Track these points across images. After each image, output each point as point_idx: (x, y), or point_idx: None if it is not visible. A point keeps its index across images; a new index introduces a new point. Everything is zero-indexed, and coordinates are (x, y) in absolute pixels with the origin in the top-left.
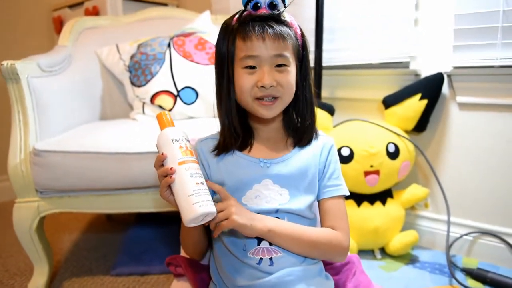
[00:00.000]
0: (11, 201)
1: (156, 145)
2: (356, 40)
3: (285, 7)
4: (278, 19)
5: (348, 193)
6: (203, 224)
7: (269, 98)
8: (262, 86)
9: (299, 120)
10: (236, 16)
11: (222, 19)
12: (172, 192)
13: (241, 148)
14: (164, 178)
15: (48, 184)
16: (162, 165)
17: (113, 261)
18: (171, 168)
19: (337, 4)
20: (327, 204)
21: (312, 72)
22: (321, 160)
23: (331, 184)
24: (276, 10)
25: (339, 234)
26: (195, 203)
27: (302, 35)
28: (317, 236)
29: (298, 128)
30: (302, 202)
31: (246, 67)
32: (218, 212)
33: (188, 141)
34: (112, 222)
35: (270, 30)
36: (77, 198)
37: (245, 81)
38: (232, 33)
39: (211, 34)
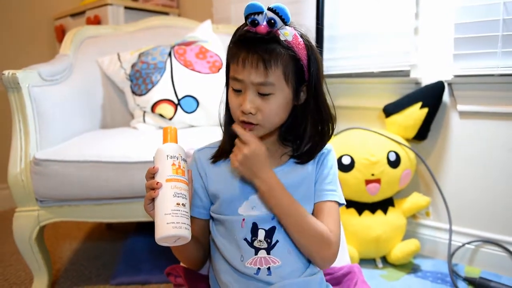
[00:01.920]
0: (11, 210)
1: (153, 157)
2: (357, 49)
3: (286, 24)
4: (275, 39)
5: (343, 202)
6: (193, 242)
7: (249, 123)
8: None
9: (299, 141)
10: (238, 29)
11: (223, 28)
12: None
13: None
14: (149, 191)
15: (48, 193)
16: (153, 178)
17: (112, 270)
18: (157, 182)
19: (337, 13)
20: (319, 207)
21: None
22: (317, 166)
23: (325, 188)
24: (275, 29)
25: (331, 235)
26: (169, 222)
27: (310, 53)
28: (311, 222)
29: (299, 148)
30: (306, 207)
31: (234, 89)
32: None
33: (185, 161)
34: (111, 231)
35: (255, 57)
36: (77, 207)
37: (231, 102)
38: (229, 47)
39: (212, 43)
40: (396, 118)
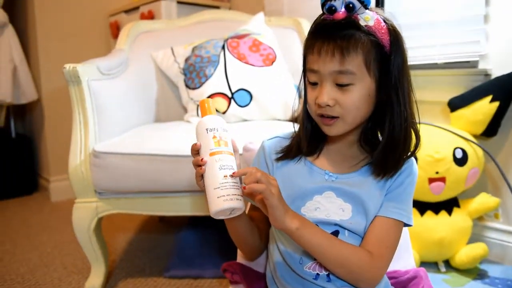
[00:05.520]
0: (70, 200)
1: (195, 133)
2: (419, 39)
3: (366, 8)
4: (354, 24)
5: (410, 223)
6: (250, 223)
7: (329, 116)
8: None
9: (387, 147)
10: (316, 19)
11: (275, 21)
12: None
13: (309, 153)
14: (196, 168)
15: (106, 185)
16: (198, 154)
17: (165, 263)
18: (202, 159)
19: (398, 1)
20: (380, 221)
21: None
22: (393, 178)
23: (394, 205)
24: (354, 13)
25: (375, 262)
26: (220, 196)
27: (394, 39)
28: (349, 254)
29: (377, 156)
30: (365, 222)
31: (310, 82)
32: (257, 182)
33: (226, 131)
34: (164, 224)
35: (331, 45)
36: (133, 200)
37: (308, 95)
38: (306, 39)
39: (265, 36)
40: (463, 112)
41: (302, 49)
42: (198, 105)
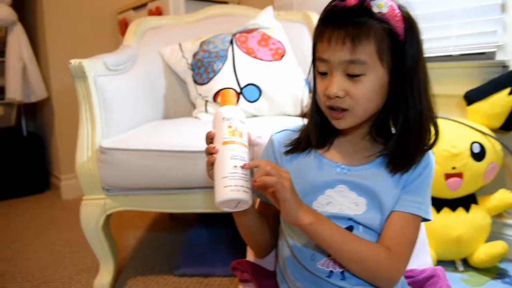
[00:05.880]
0: (80, 198)
1: (212, 121)
2: (434, 30)
3: None
4: (366, 11)
5: (429, 217)
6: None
7: (338, 109)
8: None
9: (401, 141)
10: (327, 5)
11: (285, 15)
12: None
13: (319, 146)
14: (208, 156)
15: (114, 181)
16: (211, 143)
17: (175, 261)
18: (214, 147)
19: None
20: (396, 216)
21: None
22: (409, 171)
23: (411, 199)
24: (367, 0)
25: (394, 259)
26: (227, 186)
27: (409, 27)
28: (365, 251)
29: (391, 149)
30: (380, 216)
31: (319, 72)
32: (268, 175)
33: (243, 123)
34: (174, 222)
35: (341, 32)
36: (141, 197)
37: (318, 86)
38: (315, 27)
39: (275, 30)
40: (480, 105)
41: (312, 37)
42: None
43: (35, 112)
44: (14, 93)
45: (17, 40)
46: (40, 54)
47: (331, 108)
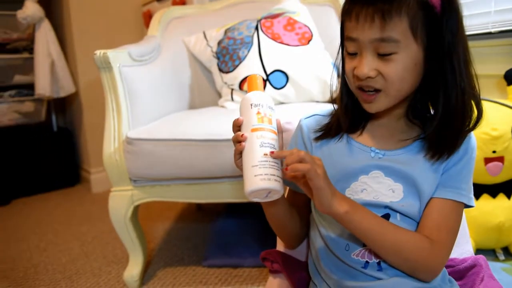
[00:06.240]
0: (109, 191)
1: (239, 108)
2: (471, 6)
3: None
4: None
5: (471, 204)
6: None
7: (370, 91)
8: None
9: (442, 123)
10: None
11: None
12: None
13: (351, 131)
14: (236, 145)
15: (141, 172)
16: (239, 130)
17: (204, 252)
18: (242, 134)
19: None
20: (436, 203)
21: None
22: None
23: (451, 184)
24: None
25: (435, 249)
26: (257, 175)
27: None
28: (405, 240)
29: (430, 133)
30: (418, 204)
31: (348, 52)
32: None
33: (272, 109)
34: (201, 212)
35: (370, 9)
36: (168, 187)
37: (347, 66)
38: (344, 3)
39: (301, 14)
40: None
41: (341, 16)
42: (247, 79)
43: (64, 107)
44: (43, 89)
45: (45, 36)
46: (67, 49)
47: (362, 90)
